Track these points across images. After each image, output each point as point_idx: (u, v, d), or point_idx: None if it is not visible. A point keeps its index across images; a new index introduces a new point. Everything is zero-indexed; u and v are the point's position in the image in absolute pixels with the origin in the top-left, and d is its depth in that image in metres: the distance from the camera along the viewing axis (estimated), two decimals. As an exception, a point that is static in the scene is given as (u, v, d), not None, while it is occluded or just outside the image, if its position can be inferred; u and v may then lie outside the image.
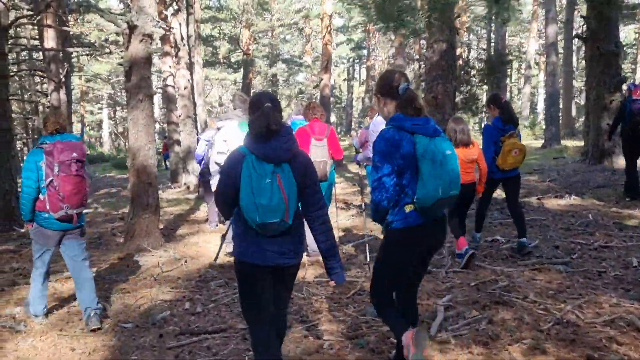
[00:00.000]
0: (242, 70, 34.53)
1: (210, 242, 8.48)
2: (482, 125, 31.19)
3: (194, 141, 16.56)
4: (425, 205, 3.15)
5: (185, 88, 16.33)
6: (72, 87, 29.62)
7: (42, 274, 5.12)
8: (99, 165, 36.92)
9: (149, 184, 7.85)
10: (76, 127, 40.33)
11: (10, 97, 11.21)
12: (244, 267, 3.21)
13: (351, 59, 51.85)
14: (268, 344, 3.23)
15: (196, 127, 17.21)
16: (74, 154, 4.68)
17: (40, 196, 4.74)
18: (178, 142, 18.44)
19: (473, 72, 15.19)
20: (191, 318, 5.19)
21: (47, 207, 4.69)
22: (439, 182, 3.11)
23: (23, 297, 6.00)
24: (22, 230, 10.19)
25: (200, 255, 7.65)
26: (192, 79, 17.35)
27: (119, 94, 57.11)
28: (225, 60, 36.02)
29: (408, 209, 3.21)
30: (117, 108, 62.92)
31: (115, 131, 62.71)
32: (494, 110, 6.55)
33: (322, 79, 29.07)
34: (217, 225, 9.90)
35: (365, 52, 49.25)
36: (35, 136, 26.87)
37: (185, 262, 7.21)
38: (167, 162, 30.49)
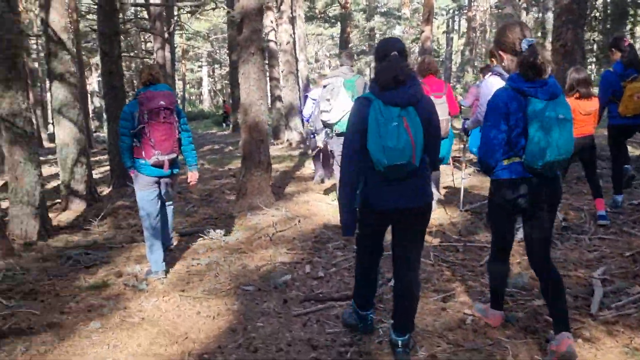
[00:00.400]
0: (338, 24, 33.79)
1: (321, 201, 8.20)
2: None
3: (296, 97, 16.33)
4: (532, 166, 3.15)
5: (287, 43, 16.04)
6: (174, 45, 30.17)
7: (155, 227, 5.25)
8: (200, 122, 37.88)
9: (261, 141, 7.62)
10: (178, 85, 41.33)
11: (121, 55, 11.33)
12: (366, 211, 3.30)
13: (451, 10, 49.60)
14: (370, 281, 3.63)
15: (298, 84, 16.91)
16: (162, 102, 4.84)
17: (137, 144, 4.95)
18: (279, 99, 18.30)
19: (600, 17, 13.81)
20: (313, 283, 4.91)
21: (143, 154, 4.91)
22: (546, 146, 3.07)
23: (143, 254, 5.98)
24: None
25: (312, 214, 7.39)
26: (294, 33, 17.00)
27: (217, 52, 58.14)
28: (322, 15, 35.39)
29: (511, 160, 3.25)
30: (216, 66, 64.16)
31: (215, 88, 64.07)
32: (615, 54, 6.18)
33: (423, 31, 27.93)
34: (322, 181, 9.81)
35: (466, 1, 46.93)
36: None
37: (299, 221, 6.96)
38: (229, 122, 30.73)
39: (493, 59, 4.39)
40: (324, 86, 7.07)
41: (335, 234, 6.41)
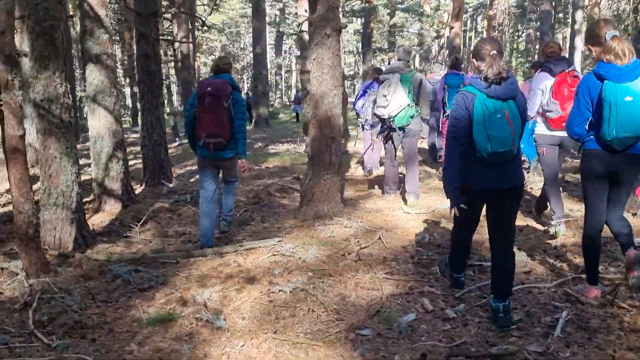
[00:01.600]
0: (360, 19, 32.59)
1: (395, 210, 7.04)
2: None
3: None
4: (605, 140, 3.66)
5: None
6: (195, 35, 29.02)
7: (206, 198, 5.73)
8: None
9: (332, 139, 6.46)
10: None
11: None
12: (467, 191, 3.70)
13: (472, 8, 48.33)
14: (466, 247, 4.34)
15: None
16: (209, 89, 5.27)
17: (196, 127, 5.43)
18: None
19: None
20: (446, 327, 3.75)
21: (196, 136, 5.42)
22: (614, 123, 3.54)
23: (204, 273, 4.85)
24: (171, 185, 9.25)
25: (393, 227, 6.24)
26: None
27: (230, 46, 56.95)
28: (347, 9, 34.21)
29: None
30: (230, 60, 62.97)
31: (226, 83, 62.87)
32: None
33: (452, 27, 26.76)
34: (370, 172, 9.64)
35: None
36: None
37: (381, 235, 5.81)
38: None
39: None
40: (381, 81, 7.32)
41: (436, 254, 5.27)
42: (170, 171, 9.71)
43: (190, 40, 21.84)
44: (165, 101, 45.33)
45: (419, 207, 7.10)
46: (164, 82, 20.75)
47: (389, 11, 33.38)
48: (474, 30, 51.85)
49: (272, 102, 35.73)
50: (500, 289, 3.74)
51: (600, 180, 3.85)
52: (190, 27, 21.77)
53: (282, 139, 17.97)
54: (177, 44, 20.13)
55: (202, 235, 5.65)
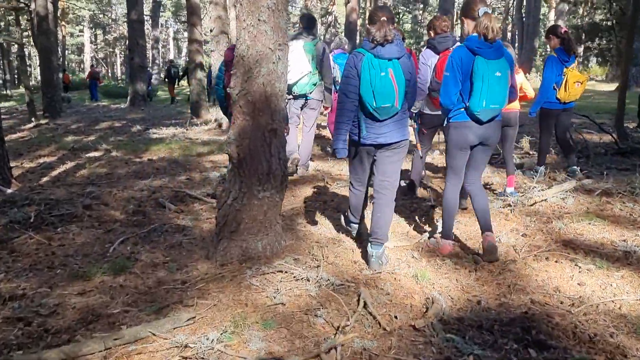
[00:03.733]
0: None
1: (360, 240, 4.57)
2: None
3: (229, 65, 12.29)
4: (474, 112, 3.85)
5: (219, -7, 11.94)
6: None
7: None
8: (83, 92, 32.08)
9: (273, 132, 3.84)
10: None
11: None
12: (356, 145, 3.97)
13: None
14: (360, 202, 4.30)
15: (230, 47, 12.88)
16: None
17: None
18: (201, 66, 14.15)
19: None
20: None
21: None
22: (485, 96, 3.78)
23: None
24: (9, 191, 6.17)
25: (374, 277, 3.78)
26: (225, -18, 12.92)
27: (101, 16, 51.29)
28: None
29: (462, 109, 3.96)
30: (99, 32, 57.08)
31: (97, 56, 57.08)
32: (553, 40, 6.38)
33: (348, 2, 24.66)
34: (307, 169, 7.47)
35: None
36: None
37: (366, 301, 3.32)
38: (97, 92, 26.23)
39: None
40: None
41: (479, 340, 2.87)
42: (7, 169, 6.53)
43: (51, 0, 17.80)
44: (15, 73, 39.35)
45: (392, 233, 4.68)
46: (15, 52, 16.68)
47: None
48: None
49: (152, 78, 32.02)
50: (377, 233, 3.96)
51: (467, 148, 4.03)
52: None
53: (165, 120, 14.79)
54: (33, 6, 16.14)
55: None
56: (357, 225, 4.42)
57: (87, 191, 6.41)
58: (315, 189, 6.46)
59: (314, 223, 5.06)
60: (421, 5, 46.96)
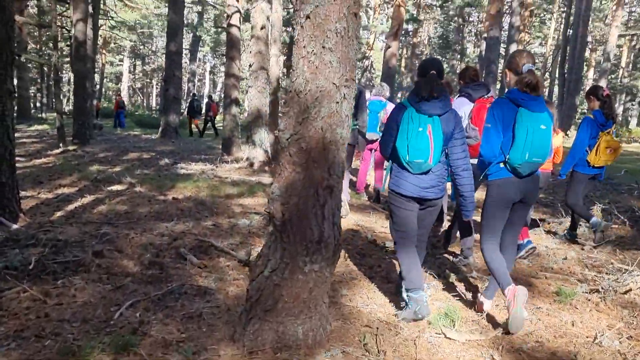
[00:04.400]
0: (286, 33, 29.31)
1: (422, 329, 3.67)
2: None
3: (266, 102, 11.67)
4: (514, 165, 3.69)
5: (262, 28, 11.37)
6: (98, 23, 24.52)
7: None
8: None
9: (329, 190, 3.01)
10: (96, 78, 35.08)
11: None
12: (395, 195, 3.90)
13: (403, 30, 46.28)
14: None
15: (269, 84, 12.21)
16: None
17: None
18: (237, 102, 13.54)
19: None
20: None
21: None
22: (528, 149, 3.61)
23: None
24: (15, 227, 5.44)
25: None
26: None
27: (141, 47, 51.94)
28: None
29: (502, 165, 3.80)
30: (138, 62, 57.83)
31: (134, 86, 57.73)
32: (593, 102, 6.11)
33: (389, 47, 24.14)
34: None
35: (410, 27, 43.95)
36: (52, 75, 21.52)
37: None
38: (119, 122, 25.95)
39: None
40: None
41: None
42: (16, 202, 5.81)
43: (91, 26, 17.57)
44: (41, 98, 39.52)
45: (458, 319, 3.77)
46: (57, 76, 16.35)
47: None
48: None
49: (182, 111, 31.97)
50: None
51: (509, 206, 3.85)
52: (91, 10, 17.52)
53: (194, 154, 14.17)
54: (73, 31, 15.85)
55: None
56: (422, 295, 3.74)
57: (102, 232, 5.64)
58: (360, 248, 5.59)
59: (361, 296, 4.18)
60: (458, 56, 46.55)
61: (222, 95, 18.58)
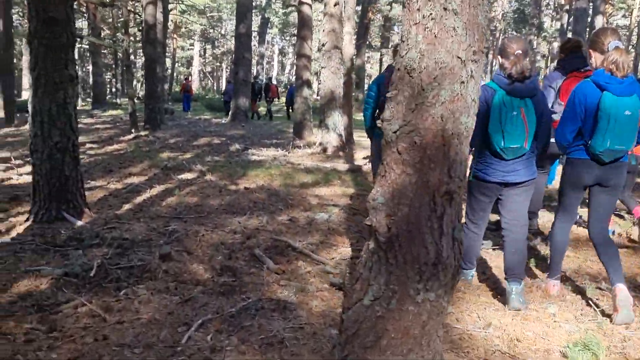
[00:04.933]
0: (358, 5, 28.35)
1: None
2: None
3: (340, 84, 10.98)
4: (595, 151, 3.49)
5: (336, 4, 10.65)
6: (168, 7, 24.47)
7: None
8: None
9: (448, 197, 2.30)
10: (167, 62, 35.42)
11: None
12: (480, 182, 3.73)
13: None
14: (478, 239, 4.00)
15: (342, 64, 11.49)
16: None
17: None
18: (308, 84, 12.92)
19: None
20: None
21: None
22: (610, 135, 3.38)
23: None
24: (80, 223, 5.03)
25: None
26: (342, -6, 11.60)
27: (210, 31, 52.27)
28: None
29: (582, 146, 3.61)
30: (208, 46, 58.33)
31: (204, 70, 58.33)
32: None
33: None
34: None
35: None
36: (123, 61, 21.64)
37: None
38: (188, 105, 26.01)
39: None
40: None
41: None
42: (80, 196, 5.41)
43: (161, 9, 17.38)
44: (116, 82, 40.26)
45: (601, 353, 3.00)
46: (129, 61, 16.30)
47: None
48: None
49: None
50: (513, 270, 3.70)
51: (581, 188, 3.74)
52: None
53: (265, 139, 13.72)
54: (143, 14, 15.65)
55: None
56: (470, 272, 4.13)
57: (170, 229, 5.18)
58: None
59: (470, 315, 3.48)
60: (536, 30, 44.06)
61: (294, 77, 18.03)
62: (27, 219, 5.20)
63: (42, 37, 4.83)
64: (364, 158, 10.64)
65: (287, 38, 52.58)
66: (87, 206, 5.46)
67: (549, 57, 45.21)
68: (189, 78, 34.83)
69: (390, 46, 40.26)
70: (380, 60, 38.00)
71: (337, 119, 10.94)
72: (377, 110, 5.31)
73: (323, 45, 10.90)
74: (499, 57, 3.64)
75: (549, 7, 47.16)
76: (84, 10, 29.73)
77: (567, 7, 31.78)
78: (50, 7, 4.79)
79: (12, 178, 7.83)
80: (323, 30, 10.91)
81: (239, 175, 8.42)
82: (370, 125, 5.53)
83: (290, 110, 23.52)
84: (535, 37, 44.05)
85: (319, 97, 12.94)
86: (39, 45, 4.85)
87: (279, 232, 5.35)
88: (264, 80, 30.11)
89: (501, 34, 49.71)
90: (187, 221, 5.66)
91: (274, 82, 49.00)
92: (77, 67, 5.45)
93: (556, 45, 41.65)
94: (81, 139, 13.33)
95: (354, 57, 14.60)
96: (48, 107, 4.94)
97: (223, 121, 19.13)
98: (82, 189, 5.41)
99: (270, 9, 40.01)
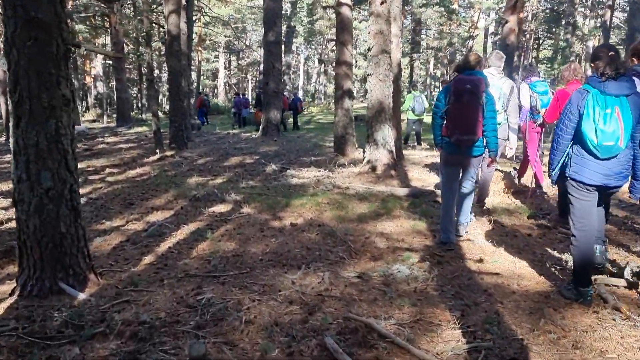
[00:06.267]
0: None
1: None
2: None
3: (390, 93, 9.52)
4: None
5: (382, 3, 9.19)
6: (193, 17, 23.32)
7: (452, 195, 5.21)
8: (214, 117, 31.08)
9: None
10: (192, 76, 34.38)
11: None
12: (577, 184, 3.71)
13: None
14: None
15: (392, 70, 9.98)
16: (468, 85, 4.87)
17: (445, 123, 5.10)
18: (350, 94, 11.48)
19: None
20: None
21: (448, 132, 5.05)
22: None
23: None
24: (82, 296, 3.56)
25: None
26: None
27: (235, 42, 51.31)
28: None
29: None
30: (233, 57, 57.43)
31: (230, 82, 57.44)
32: None
33: (506, 22, 21.17)
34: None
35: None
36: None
37: None
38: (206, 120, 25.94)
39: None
40: None
41: None
42: (83, 257, 4.01)
43: (185, 19, 16.15)
44: (136, 98, 39.36)
45: None
46: (152, 75, 15.08)
47: (424, 1, 27.45)
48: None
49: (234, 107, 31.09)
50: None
51: None
52: (184, 2, 16.10)
53: (302, 156, 12.25)
54: (166, 25, 14.41)
55: (444, 230, 5.20)
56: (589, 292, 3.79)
57: (203, 301, 3.77)
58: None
59: None
60: (571, 28, 41.97)
61: (325, 86, 16.66)
62: (13, 292, 3.83)
63: (24, 45, 3.48)
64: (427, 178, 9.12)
65: (313, 47, 51.31)
66: (92, 270, 4.06)
67: (582, 57, 43.01)
68: (202, 93, 33.78)
69: (422, 50, 38.61)
70: (411, 66, 36.32)
71: (387, 133, 9.46)
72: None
73: (369, 49, 9.44)
74: (593, 62, 3.70)
75: (585, 4, 45.03)
76: (107, 25, 28.87)
77: (610, 2, 29.83)
78: (34, 4, 3.43)
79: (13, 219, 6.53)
80: (369, 33, 9.45)
81: (281, 206, 7.00)
82: (440, 136, 5.27)
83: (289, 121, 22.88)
84: (571, 36, 41.97)
85: (366, 109, 11.43)
86: (20, 56, 3.49)
87: (349, 300, 3.90)
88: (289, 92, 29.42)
89: (533, 34, 47.70)
90: (225, 282, 4.26)
91: (300, 92, 47.71)
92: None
93: (591, 44, 39.69)
94: (102, 161, 12.20)
95: (402, 62, 13.09)
96: (35, 142, 3.58)
97: (253, 135, 17.75)
98: (86, 247, 4.02)
99: (295, 17, 38.77)
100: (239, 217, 6.45)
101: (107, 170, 10.66)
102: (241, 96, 27.79)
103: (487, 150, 5.27)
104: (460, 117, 4.97)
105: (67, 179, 3.74)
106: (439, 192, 7.73)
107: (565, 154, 3.74)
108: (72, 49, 3.66)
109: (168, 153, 12.84)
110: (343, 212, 6.65)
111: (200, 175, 9.75)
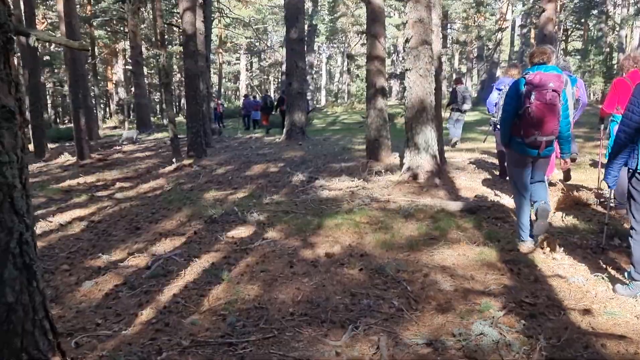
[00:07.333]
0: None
1: None
2: None
3: (431, 90, 8.24)
4: None
5: (422, -14, 7.90)
6: (211, 17, 22.23)
7: (522, 196, 4.88)
8: (236, 120, 30.00)
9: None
10: (214, 79, 33.41)
11: None
12: None
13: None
14: None
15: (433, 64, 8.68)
16: (551, 84, 4.50)
17: (517, 123, 4.68)
18: (383, 92, 10.22)
19: None
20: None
21: (521, 132, 4.65)
22: None
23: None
24: None
25: None
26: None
27: (256, 44, 50.34)
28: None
29: None
30: (254, 59, 56.50)
31: (252, 83, 56.48)
32: None
33: (544, 10, 19.65)
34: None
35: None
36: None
37: None
38: (221, 124, 25.25)
39: None
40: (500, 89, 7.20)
41: None
42: (44, 333, 2.83)
43: (201, 17, 15.06)
44: (152, 103, 37.69)
45: None
46: (167, 79, 13.99)
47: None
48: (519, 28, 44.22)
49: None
50: None
51: None
52: (201, 0, 15.02)
53: (331, 162, 10.99)
54: (181, 23, 13.30)
55: (523, 228, 4.85)
56: None
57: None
58: None
59: None
60: (604, 18, 39.96)
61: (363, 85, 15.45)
62: None
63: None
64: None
65: (335, 45, 50.05)
66: (58, 350, 2.87)
67: (614, 47, 40.89)
68: (216, 97, 32.87)
69: (452, 43, 37.09)
70: (439, 59, 34.82)
71: (429, 136, 8.17)
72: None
73: (407, 40, 8.17)
74: None
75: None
76: (125, 30, 28.05)
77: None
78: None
79: None
80: (406, 22, 8.18)
81: (312, 228, 5.79)
82: (509, 135, 4.85)
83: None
84: (604, 26, 39.99)
85: (405, 109, 10.16)
86: None
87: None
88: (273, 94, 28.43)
89: (562, 26, 45.70)
90: (245, 356, 3.05)
91: (323, 92, 46.49)
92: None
93: (623, 33, 37.77)
94: (114, 174, 11.10)
95: (443, 53, 11.79)
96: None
97: (277, 139, 16.56)
98: (47, 319, 2.83)
99: (317, 15, 37.53)
100: (263, 247, 5.26)
101: (118, 184, 9.57)
102: (251, 98, 27.72)
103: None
104: (541, 117, 4.54)
105: (15, 226, 2.58)
106: (503, 204, 6.45)
107: (630, 147, 3.60)
108: (15, 38, 2.49)
109: (185, 162, 11.75)
110: (388, 236, 5.42)
111: (219, 188, 8.59)
